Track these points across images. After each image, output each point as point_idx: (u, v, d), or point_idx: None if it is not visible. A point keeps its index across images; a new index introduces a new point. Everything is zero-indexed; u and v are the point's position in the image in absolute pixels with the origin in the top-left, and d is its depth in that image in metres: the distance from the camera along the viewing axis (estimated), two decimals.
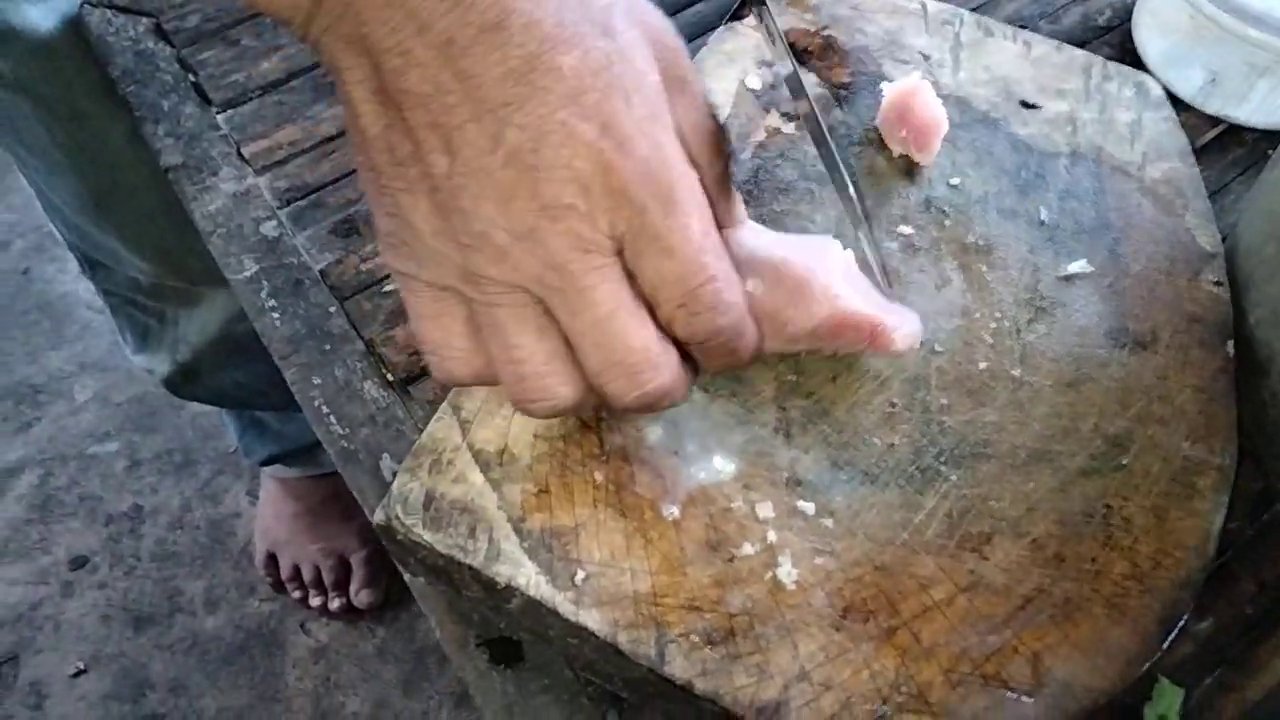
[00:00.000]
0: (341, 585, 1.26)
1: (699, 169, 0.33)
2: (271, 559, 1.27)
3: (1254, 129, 0.60)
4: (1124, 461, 0.39)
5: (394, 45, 0.29)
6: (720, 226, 0.35)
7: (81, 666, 1.24)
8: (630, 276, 0.32)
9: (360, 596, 1.26)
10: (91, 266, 0.90)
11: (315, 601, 1.26)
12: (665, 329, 0.34)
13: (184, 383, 1.01)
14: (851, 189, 0.40)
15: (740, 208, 0.37)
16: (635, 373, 0.33)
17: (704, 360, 0.36)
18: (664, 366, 0.33)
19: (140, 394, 1.44)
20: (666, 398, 0.34)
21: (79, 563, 1.32)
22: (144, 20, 0.65)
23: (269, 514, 1.28)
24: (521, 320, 0.33)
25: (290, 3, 0.31)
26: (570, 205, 0.30)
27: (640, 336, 0.32)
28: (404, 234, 0.33)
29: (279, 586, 1.28)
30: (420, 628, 1.28)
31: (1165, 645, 0.35)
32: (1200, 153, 0.60)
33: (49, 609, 1.28)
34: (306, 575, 1.26)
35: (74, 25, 0.66)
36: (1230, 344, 0.42)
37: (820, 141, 0.40)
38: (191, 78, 0.62)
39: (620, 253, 0.32)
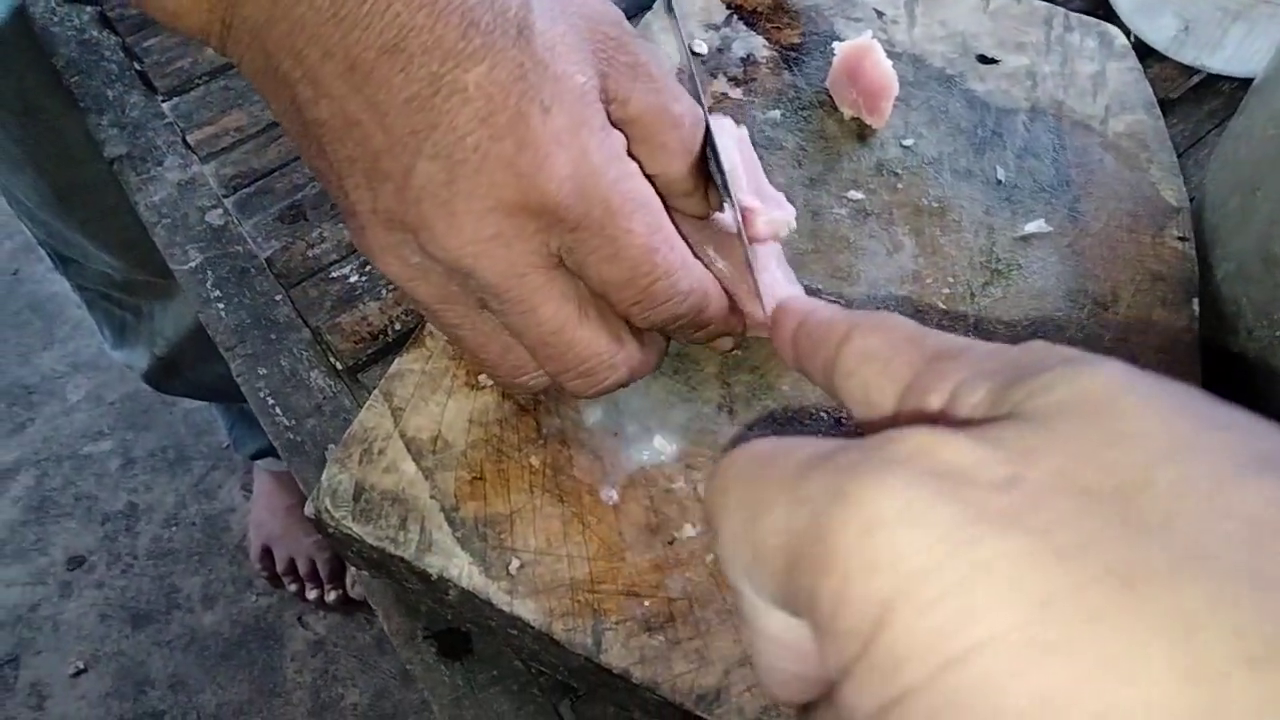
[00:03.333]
0: (337, 577, 1.26)
1: (664, 158, 0.32)
2: (267, 553, 1.27)
3: (1230, 78, 0.57)
4: None
5: (302, 75, 0.28)
6: (696, 215, 0.35)
7: (81, 666, 1.24)
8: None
9: (356, 588, 1.25)
10: (64, 262, 0.89)
11: (311, 594, 1.26)
12: (626, 319, 0.33)
13: (164, 377, 1.01)
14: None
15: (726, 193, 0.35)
16: (589, 374, 0.33)
17: (681, 339, 0.36)
18: (619, 363, 0.33)
19: (132, 392, 1.44)
20: (631, 381, 0.34)
21: (76, 562, 1.32)
22: (88, 9, 0.64)
23: (262, 508, 1.28)
24: (480, 340, 0.33)
25: (200, 25, 0.29)
26: (495, 235, 0.29)
27: (590, 345, 0.32)
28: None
29: (275, 580, 1.28)
30: None
31: None
32: (1175, 105, 0.58)
33: (47, 610, 1.28)
34: (302, 568, 1.25)
35: (23, 16, 0.64)
36: (1195, 302, 0.40)
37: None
38: (137, 66, 0.61)
39: (563, 261, 0.31)
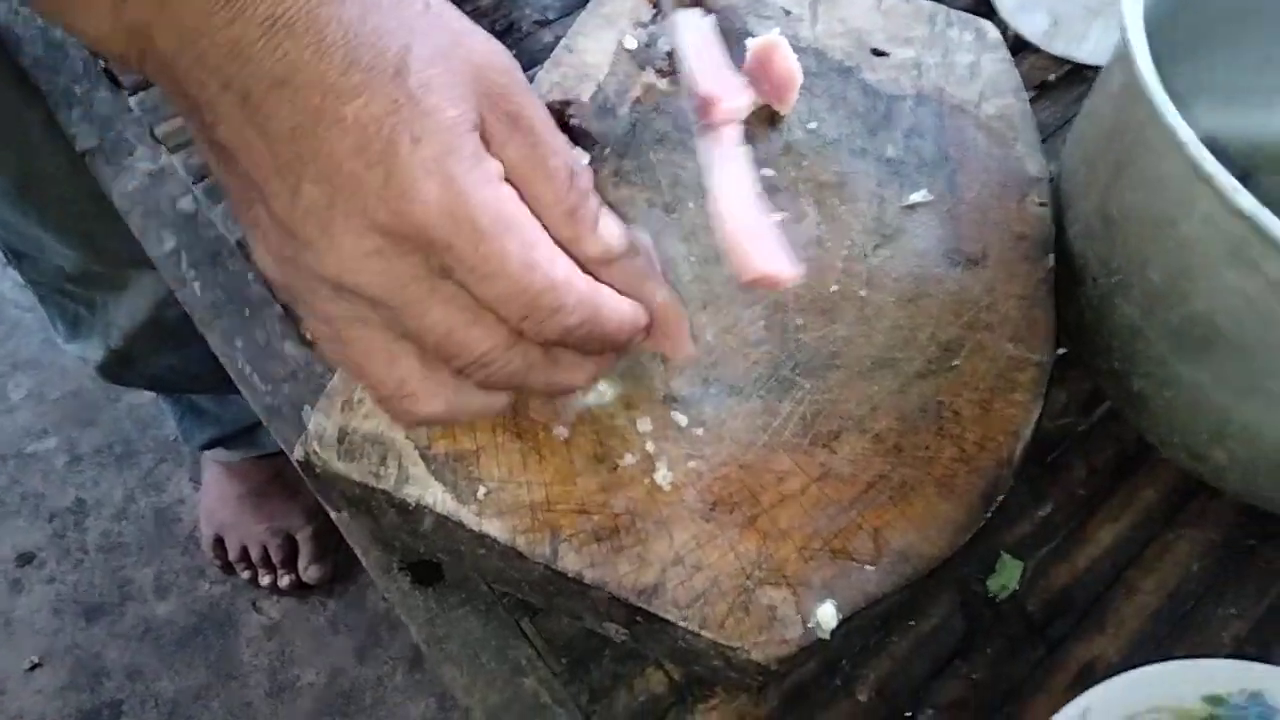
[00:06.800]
0: (290, 562, 1.29)
1: (541, 206, 0.34)
2: (219, 542, 1.30)
3: (1094, 67, 0.66)
4: (955, 363, 0.44)
5: (205, 101, 0.31)
6: (577, 259, 0.35)
7: (36, 660, 1.26)
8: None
9: (309, 572, 1.29)
10: (17, 257, 0.91)
11: (265, 580, 1.28)
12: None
13: (118, 369, 1.03)
14: None
15: (607, 239, 0.36)
16: (487, 364, 0.35)
17: (585, 351, 0.37)
18: (514, 356, 0.35)
19: (75, 389, 1.45)
20: (557, 387, 0.37)
21: (25, 559, 1.33)
22: None
23: (213, 497, 1.30)
24: (371, 354, 0.35)
25: (120, 52, 0.32)
26: (375, 251, 0.31)
27: (485, 340, 0.34)
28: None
29: (228, 568, 1.30)
30: (370, 597, 1.31)
31: (988, 514, 0.41)
32: (1048, 91, 0.66)
33: None
34: (254, 555, 1.28)
35: None
36: (1051, 257, 0.48)
37: None
38: (102, 63, 0.64)
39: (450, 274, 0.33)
